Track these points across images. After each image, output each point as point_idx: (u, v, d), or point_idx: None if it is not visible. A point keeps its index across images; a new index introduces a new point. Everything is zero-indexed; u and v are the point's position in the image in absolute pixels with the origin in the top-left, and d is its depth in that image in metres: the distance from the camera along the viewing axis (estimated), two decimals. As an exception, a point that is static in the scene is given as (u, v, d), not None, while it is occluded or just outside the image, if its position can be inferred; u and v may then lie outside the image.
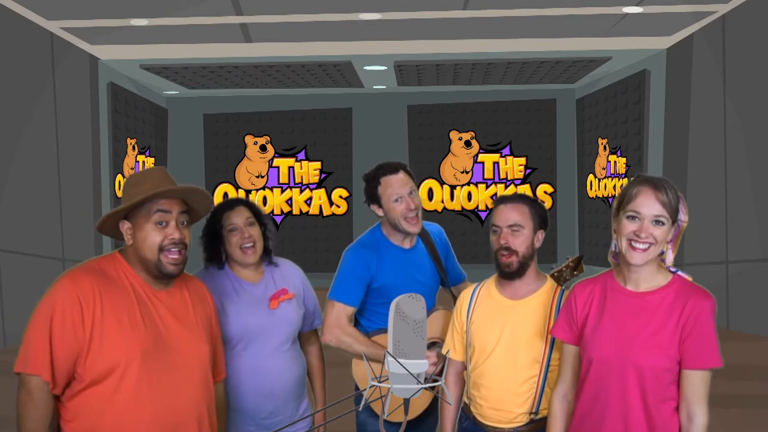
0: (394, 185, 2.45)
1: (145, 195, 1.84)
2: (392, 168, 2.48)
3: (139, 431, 1.80)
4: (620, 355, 1.82)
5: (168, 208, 1.87)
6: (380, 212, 2.50)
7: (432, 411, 2.59)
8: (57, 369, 1.75)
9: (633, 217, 1.81)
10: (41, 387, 1.75)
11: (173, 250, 1.86)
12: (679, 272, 1.89)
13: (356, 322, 2.61)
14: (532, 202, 2.21)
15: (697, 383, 1.80)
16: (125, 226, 1.90)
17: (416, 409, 2.53)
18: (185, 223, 1.91)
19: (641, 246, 1.80)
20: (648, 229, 1.79)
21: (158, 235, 1.85)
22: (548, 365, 2.13)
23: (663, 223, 1.81)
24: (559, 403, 2.02)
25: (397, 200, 2.44)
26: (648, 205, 1.80)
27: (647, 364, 1.80)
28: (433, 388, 2.53)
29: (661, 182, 1.83)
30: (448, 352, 2.34)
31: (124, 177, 7.99)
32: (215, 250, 2.39)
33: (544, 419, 2.13)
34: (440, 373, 2.52)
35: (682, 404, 1.81)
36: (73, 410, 1.80)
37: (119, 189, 7.48)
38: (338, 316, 2.46)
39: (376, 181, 2.47)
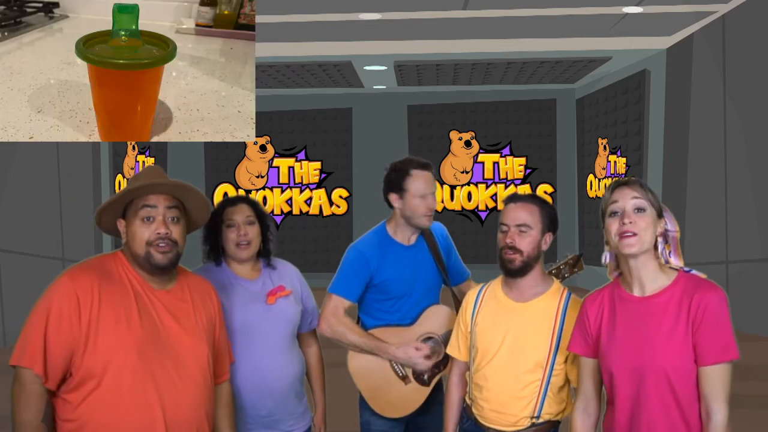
0: (425, 181, 2.50)
1: (129, 188, 1.88)
2: (425, 165, 2.53)
3: (136, 429, 1.80)
4: (638, 362, 1.80)
5: (154, 203, 1.89)
6: (397, 203, 2.53)
7: (433, 411, 2.60)
8: (50, 363, 1.77)
9: (614, 213, 1.84)
10: (33, 379, 1.77)
11: (161, 244, 1.87)
12: (693, 271, 1.87)
13: (357, 319, 2.65)
14: (543, 204, 2.21)
15: (712, 379, 1.74)
16: (121, 225, 1.94)
17: (411, 405, 2.55)
18: (176, 219, 1.92)
19: (629, 234, 1.80)
20: (630, 216, 1.81)
21: (145, 230, 1.88)
22: (552, 369, 2.11)
23: (644, 210, 1.82)
24: (580, 418, 1.99)
25: (423, 196, 2.48)
26: (623, 197, 1.83)
27: (668, 368, 1.76)
28: (429, 383, 2.55)
29: (632, 179, 1.87)
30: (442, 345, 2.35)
31: (124, 177, 7.99)
32: (214, 243, 2.43)
33: (546, 423, 2.13)
34: (436, 366, 2.54)
35: (702, 402, 1.76)
36: (70, 408, 1.81)
37: (119, 189, 7.48)
38: (335, 306, 2.52)
39: (407, 172, 2.50)
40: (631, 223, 1.80)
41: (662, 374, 1.77)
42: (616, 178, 8.21)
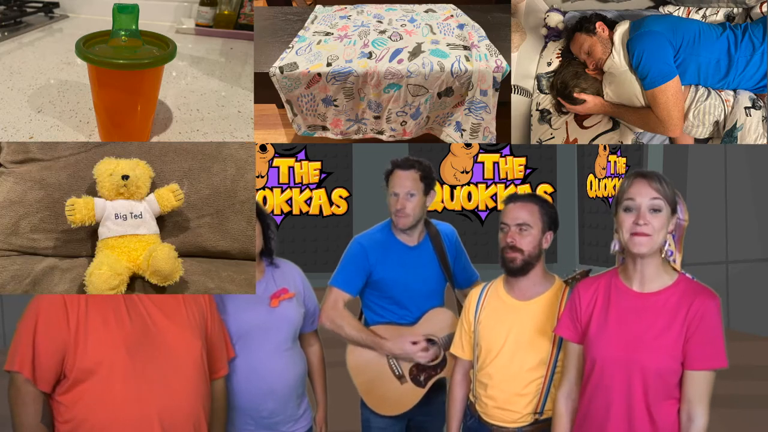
0: (397, 181, 2.53)
1: None
2: (408, 164, 2.55)
3: (133, 427, 1.81)
4: (626, 356, 1.82)
5: None
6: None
7: (435, 410, 2.61)
8: (39, 367, 1.79)
9: (629, 209, 1.82)
10: (26, 382, 1.79)
11: None
12: (687, 274, 1.88)
13: (360, 314, 2.67)
14: (543, 203, 2.22)
15: (699, 384, 1.78)
16: None
17: (405, 405, 2.55)
18: None
19: (642, 234, 1.79)
20: (645, 216, 1.79)
21: None
22: (555, 366, 2.13)
23: (660, 210, 1.80)
24: (563, 403, 2.01)
25: (393, 195, 2.53)
26: (642, 192, 1.80)
27: (653, 366, 1.79)
28: (425, 385, 2.55)
29: (652, 173, 1.84)
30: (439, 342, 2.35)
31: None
32: None
33: (549, 420, 2.14)
34: (433, 369, 2.54)
35: (683, 405, 1.80)
36: (65, 409, 1.82)
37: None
38: (335, 300, 2.54)
39: (391, 169, 2.57)
40: (645, 224, 1.79)
41: (647, 370, 1.80)
42: (616, 179, 8.23)
